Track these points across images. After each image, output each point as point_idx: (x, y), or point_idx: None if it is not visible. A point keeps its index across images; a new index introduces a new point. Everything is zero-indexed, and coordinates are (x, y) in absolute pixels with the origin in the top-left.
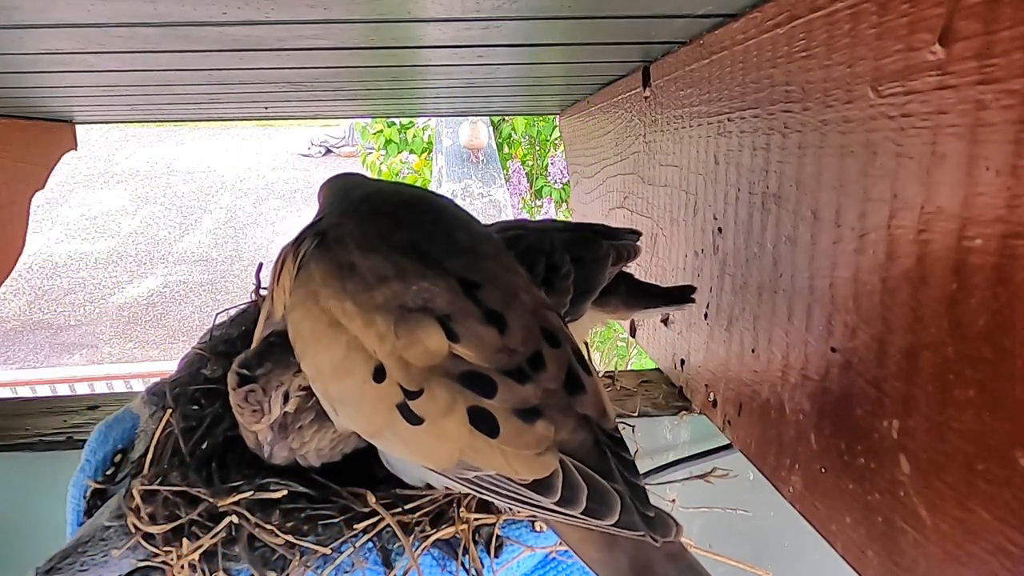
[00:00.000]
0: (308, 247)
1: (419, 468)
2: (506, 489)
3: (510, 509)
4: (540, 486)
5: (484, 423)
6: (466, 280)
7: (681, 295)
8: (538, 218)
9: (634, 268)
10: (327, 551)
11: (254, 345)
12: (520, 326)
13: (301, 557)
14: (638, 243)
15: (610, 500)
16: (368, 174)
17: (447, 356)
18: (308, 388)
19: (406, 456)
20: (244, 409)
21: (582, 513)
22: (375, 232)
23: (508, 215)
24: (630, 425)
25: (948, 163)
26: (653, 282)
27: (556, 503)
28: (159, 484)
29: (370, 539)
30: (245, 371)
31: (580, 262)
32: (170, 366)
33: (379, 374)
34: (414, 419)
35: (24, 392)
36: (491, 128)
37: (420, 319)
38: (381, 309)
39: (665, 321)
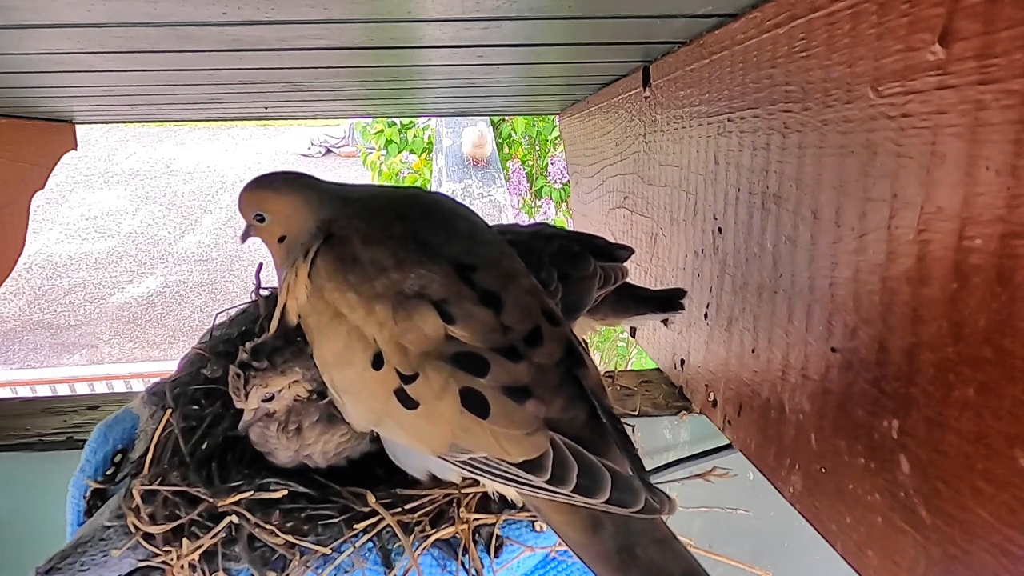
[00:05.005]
0: (316, 247)
1: (420, 457)
2: (498, 470)
3: (511, 506)
4: (531, 465)
5: (475, 404)
6: (462, 264)
7: (671, 301)
8: (529, 222)
9: (634, 268)
10: (327, 551)
11: (271, 331)
12: (517, 305)
13: (301, 557)
14: (626, 265)
15: (601, 478)
16: (368, 174)
17: (443, 339)
18: (309, 395)
19: (404, 442)
20: (230, 384)
21: (572, 491)
22: (378, 226)
23: (508, 215)
24: (630, 425)
25: (948, 163)
26: (648, 284)
27: (547, 482)
28: (159, 484)
29: (370, 539)
30: (246, 356)
31: (567, 280)
32: (170, 366)
33: (377, 361)
34: (410, 403)
35: (24, 392)
36: (491, 129)
37: (417, 305)
38: (381, 298)
39: (665, 321)
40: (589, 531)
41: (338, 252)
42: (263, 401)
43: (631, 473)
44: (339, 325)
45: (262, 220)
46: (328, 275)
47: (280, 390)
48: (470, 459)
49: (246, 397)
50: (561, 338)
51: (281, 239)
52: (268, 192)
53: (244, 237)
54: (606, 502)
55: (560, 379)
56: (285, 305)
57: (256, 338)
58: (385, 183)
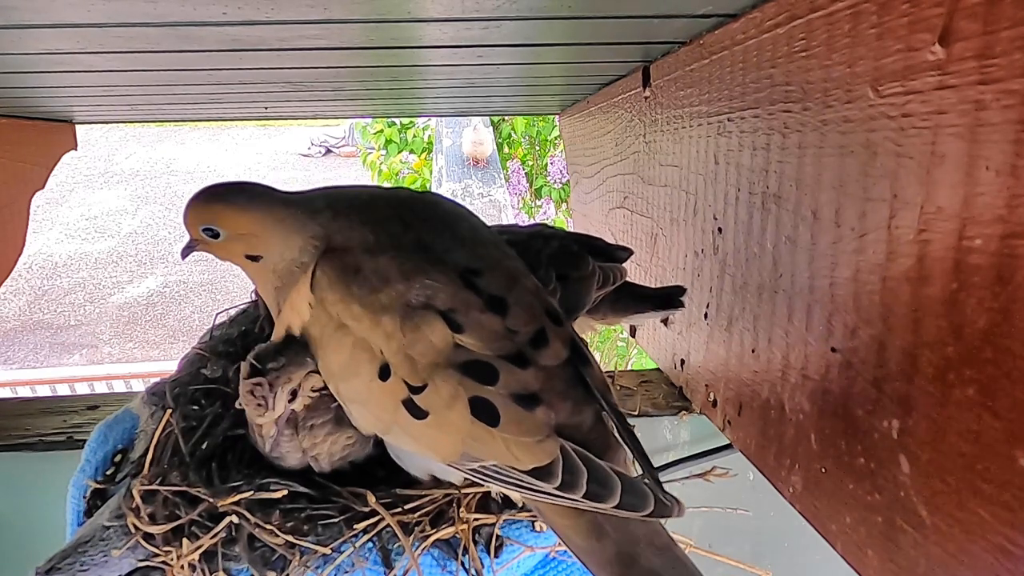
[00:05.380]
0: (316, 258)
1: (425, 460)
2: (508, 477)
3: (511, 506)
4: (541, 472)
5: (485, 413)
6: (467, 268)
7: (670, 299)
8: (528, 222)
9: (634, 268)
10: (327, 551)
11: (273, 339)
12: (522, 307)
13: (301, 557)
14: (625, 266)
15: (611, 483)
16: (368, 174)
17: (451, 348)
18: (322, 389)
19: (414, 450)
20: (250, 401)
21: (583, 497)
22: (382, 233)
23: (508, 215)
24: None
25: (948, 163)
26: (647, 283)
27: (557, 488)
28: (159, 484)
29: (370, 539)
30: (256, 363)
31: (566, 280)
32: (170, 366)
33: (384, 372)
34: (419, 413)
35: (24, 392)
36: (491, 129)
37: (424, 315)
38: (387, 310)
39: (665, 321)
40: (592, 536)
41: (340, 262)
42: (288, 402)
43: (641, 474)
44: (344, 336)
45: (216, 236)
46: (330, 286)
47: (300, 383)
48: (480, 467)
49: (274, 403)
50: (565, 337)
51: (253, 258)
52: (224, 206)
53: (186, 253)
54: (616, 507)
55: (567, 381)
56: (288, 323)
57: (254, 343)
58: (384, 183)
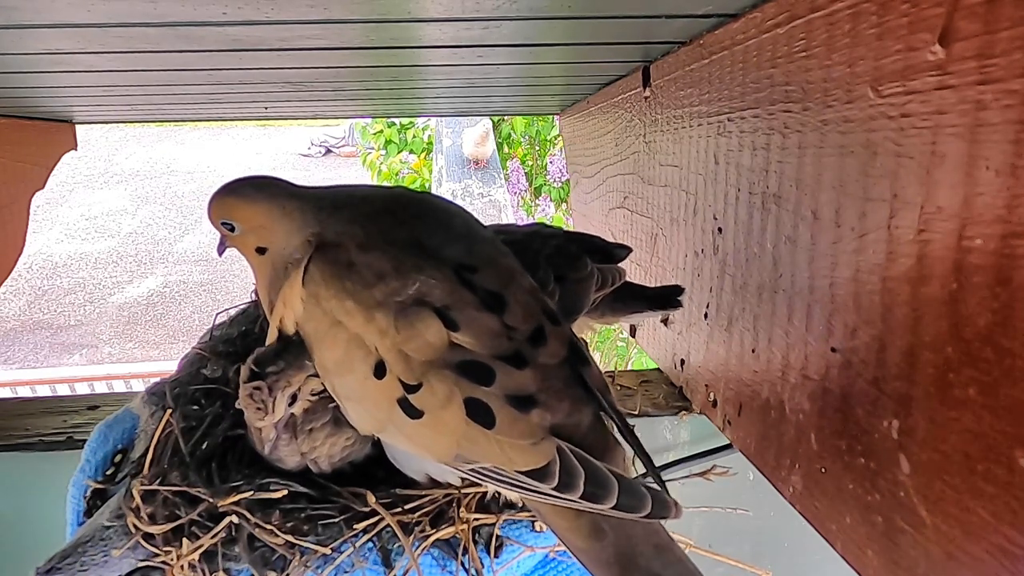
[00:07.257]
0: (309, 254)
1: (420, 460)
2: (505, 478)
3: (511, 506)
4: (537, 473)
5: (480, 414)
6: (462, 265)
7: (669, 298)
8: (527, 221)
9: (634, 268)
10: (327, 551)
11: (268, 342)
12: (520, 304)
13: (301, 557)
14: (625, 266)
15: (608, 484)
16: (368, 174)
17: (447, 346)
18: (321, 392)
19: (409, 450)
20: (249, 405)
21: (580, 498)
22: (375, 230)
23: (508, 214)
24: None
25: (948, 163)
26: (647, 283)
27: (554, 489)
28: (159, 484)
29: (370, 539)
30: (256, 367)
31: (564, 281)
32: (170, 366)
33: (379, 370)
34: (414, 413)
35: (24, 392)
36: (491, 129)
37: (419, 312)
38: (380, 305)
39: (665, 321)
40: (591, 537)
41: (332, 258)
42: (288, 405)
43: (643, 473)
44: (338, 333)
45: (232, 229)
46: (324, 282)
47: (300, 387)
48: (479, 467)
49: (274, 407)
50: (563, 336)
51: (261, 250)
52: (235, 199)
53: (221, 249)
54: (613, 508)
55: (565, 381)
56: (281, 318)
57: (254, 343)
58: (384, 183)
